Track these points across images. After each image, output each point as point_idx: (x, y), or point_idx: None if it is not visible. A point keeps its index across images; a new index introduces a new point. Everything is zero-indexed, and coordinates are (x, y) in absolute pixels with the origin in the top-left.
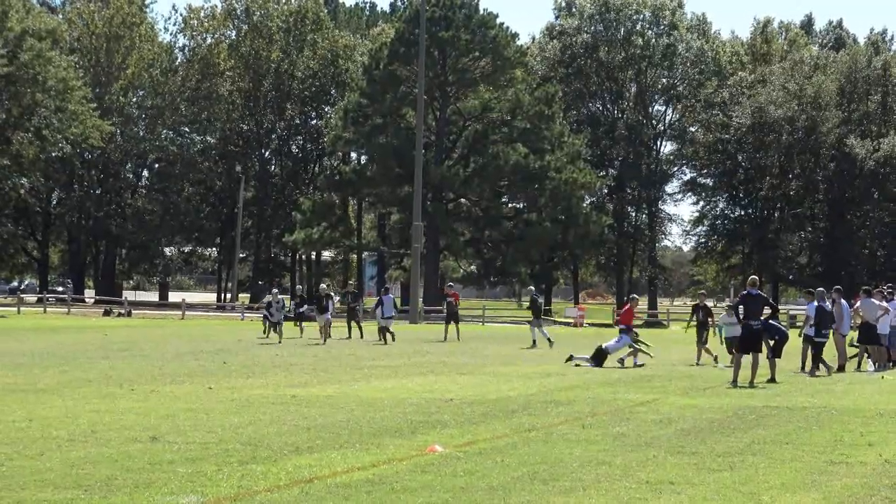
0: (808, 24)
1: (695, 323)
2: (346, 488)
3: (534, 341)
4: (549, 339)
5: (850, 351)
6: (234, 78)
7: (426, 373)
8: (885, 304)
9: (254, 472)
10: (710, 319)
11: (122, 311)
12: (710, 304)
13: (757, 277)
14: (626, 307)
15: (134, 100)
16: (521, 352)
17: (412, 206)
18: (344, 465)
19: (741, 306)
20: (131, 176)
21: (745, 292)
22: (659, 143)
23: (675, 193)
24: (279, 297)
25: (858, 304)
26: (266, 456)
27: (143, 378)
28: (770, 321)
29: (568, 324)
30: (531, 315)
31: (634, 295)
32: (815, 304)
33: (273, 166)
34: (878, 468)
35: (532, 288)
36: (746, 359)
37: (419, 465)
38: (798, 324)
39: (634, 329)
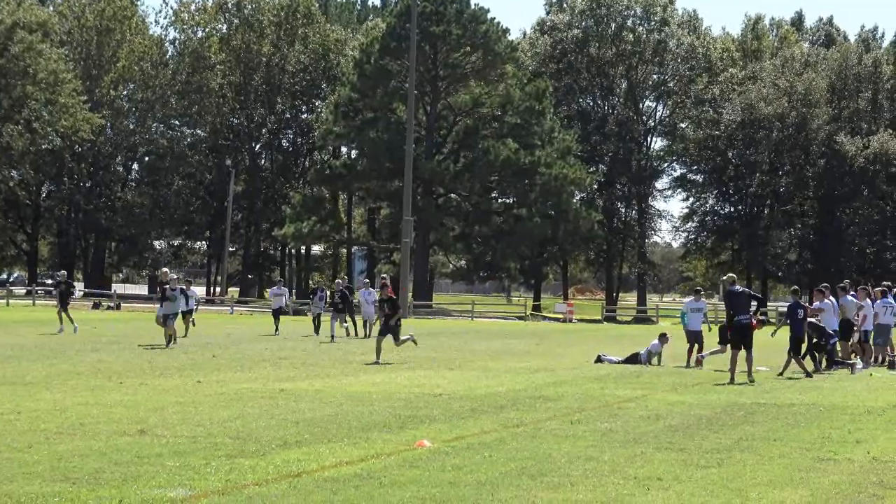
0: (798, 21)
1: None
2: (335, 482)
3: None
4: (337, 333)
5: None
6: (224, 71)
7: (415, 368)
8: (862, 301)
9: (242, 465)
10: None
11: (112, 305)
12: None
13: (734, 275)
14: None
15: (124, 93)
16: (508, 346)
17: (402, 201)
18: (332, 460)
19: (729, 304)
20: (121, 169)
21: (729, 289)
22: (649, 139)
23: (665, 189)
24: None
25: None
26: (254, 450)
27: (132, 371)
28: (814, 322)
29: (557, 319)
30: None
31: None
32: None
33: (263, 160)
34: (866, 465)
35: (345, 277)
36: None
37: (407, 460)
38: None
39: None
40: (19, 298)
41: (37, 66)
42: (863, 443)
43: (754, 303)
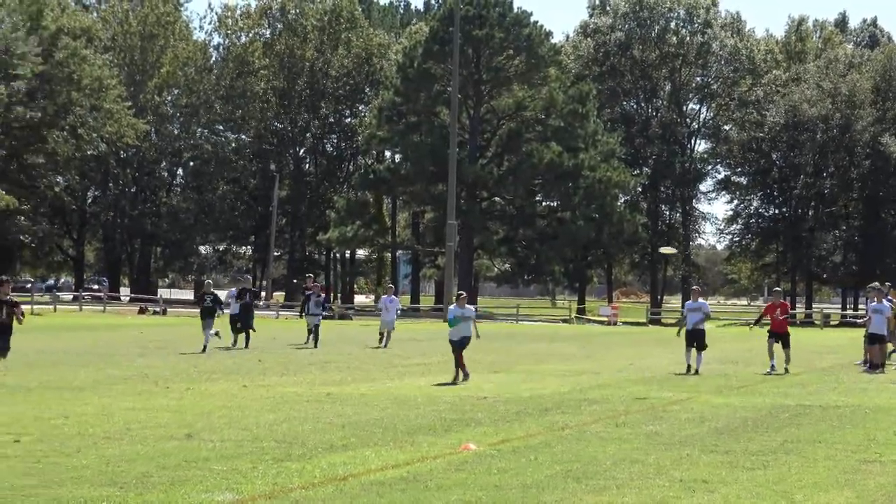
0: (842, 23)
1: (768, 323)
2: (381, 486)
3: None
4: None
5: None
6: (268, 76)
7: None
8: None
9: (288, 469)
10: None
11: (158, 310)
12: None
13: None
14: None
15: (169, 98)
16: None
17: (446, 205)
18: (378, 463)
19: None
20: (166, 174)
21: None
22: (693, 141)
23: (709, 192)
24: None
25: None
26: (300, 453)
27: (179, 376)
28: None
29: (602, 322)
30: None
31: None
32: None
33: (307, 165)
34: None
35: (248, 276)
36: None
37: (453, 463)
38: (832, 322)
39: None
40: (66, 304)
41: (81, 73)
42: None
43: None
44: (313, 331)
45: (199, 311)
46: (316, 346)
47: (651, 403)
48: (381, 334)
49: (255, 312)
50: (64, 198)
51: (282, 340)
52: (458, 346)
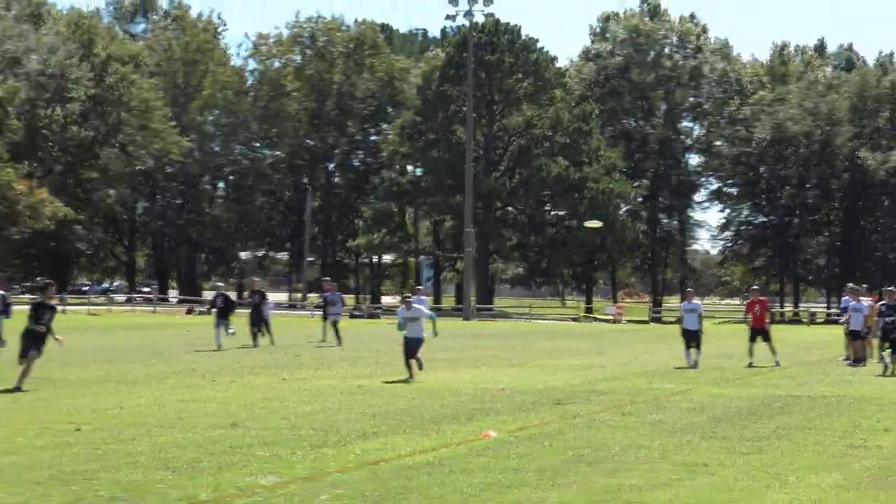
0: (821, 48)
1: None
2: (410, 469)
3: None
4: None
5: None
6: (300, 98)
7: (479, 365)
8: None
9: (325, 455)
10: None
11: (203, 310)
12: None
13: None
14: None
15: (210, 118)
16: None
17: (464, 214)
18: (407, 449)
19: None
20: (209, 187)
21: None
22: (687, 155)
23: (703, 202)
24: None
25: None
26: (336, 440)
27: (224, 370)
28: None
29: (608, 321)
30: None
31: None
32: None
33: (337, 178)
34: (894, 451)
35: (221, 284)
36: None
37: (475, 449)
38: (818, 320)
39: None
40: (120, 305)
41: (130, 95)
42: (891, 431)
43: None
44: (335, 328)
45: (216, 311)
46: (339, 344)
47: (654, 394)
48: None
49: (286, 312)
50: (116, 209)
51: (315, 338)
52: (406, 345)
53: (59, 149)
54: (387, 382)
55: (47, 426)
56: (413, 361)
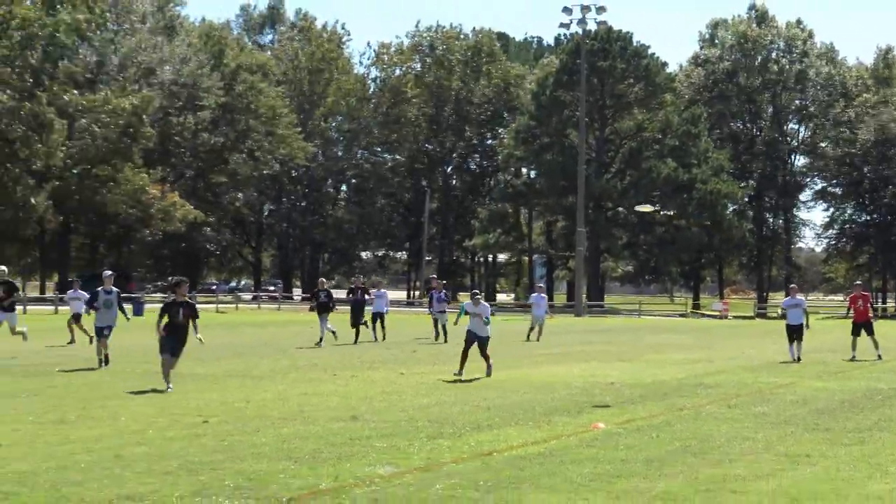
0: None
1: (852, 315)
2: (521, 460)
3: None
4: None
5: None
6: (419, 104)
7: (589, 360)
8: None
9: (441, 446)
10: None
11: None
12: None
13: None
14: None
15: (333, 124)
16: (670, 340)
17: (576, 214)
18: (519, 440)
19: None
20: (332, 190)
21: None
22: (793, 157)
23: (807, 201)
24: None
25: None
26: (451, 432)
27: (344, 365)
28: None
29: (714, 316)
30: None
31: None
32: None
33: (454, 181)
34: None
35: (322, 280)
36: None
37: (585, 440)
38: None
39: None
40: (246, 303)
41: (258, 103)
42: None
43: None
44: (440, 325)
45: (315, 306)
46: (446, 341)
47: (759, 387)
48: (532, 328)
49: (404, 310)
50: (244, 211)
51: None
52: (468, 337)
53: (190, 155)
54: (532, 374)
55: (177, 419)
56: (469, 354)
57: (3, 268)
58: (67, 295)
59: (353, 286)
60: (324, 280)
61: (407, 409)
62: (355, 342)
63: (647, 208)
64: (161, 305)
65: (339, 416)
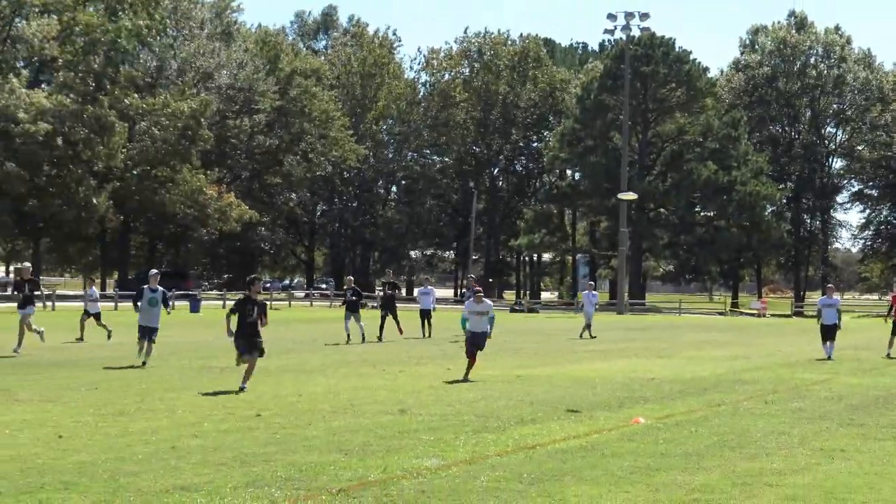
0: None
1: (894, 315)
2: (564, 453)
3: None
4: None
5: None
6: (467, 108)
7: (630, 356)
8: None
9: (486, 439)
10: None
11: (375, 305)
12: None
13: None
14: None
15: (384, 127)
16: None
17: (619, 215)
18: (562, 434)
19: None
20: (382, 191)
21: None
22: (830, 159)
23: (844, 203)
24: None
25: None
26: (496, 426)
27: (393, 360)
28: None
29: (753, 314)
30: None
31: None
32: None
33: (501, 182)
34: None
35: (350, 278)
36: None
37: (625, 434)
38: None
39: None
40: (299, 300)
41: (311, 106)
42: None
43: None
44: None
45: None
46: (490, 337)
47: (795, 384)
48: (587, 326)
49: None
50: (297, 211)
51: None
52: (472, 339)
53: (245, 156)
54: (575, 369)
55: (231, 412)
56: (477, 357)
57: (28, 264)
58: (87, 294)
59: (382, 282)
60: (351, 279)
61: (453, 404)
62: (379, 338)
63: (629, 196)
64: (233, 302)
65: (387, 409)
